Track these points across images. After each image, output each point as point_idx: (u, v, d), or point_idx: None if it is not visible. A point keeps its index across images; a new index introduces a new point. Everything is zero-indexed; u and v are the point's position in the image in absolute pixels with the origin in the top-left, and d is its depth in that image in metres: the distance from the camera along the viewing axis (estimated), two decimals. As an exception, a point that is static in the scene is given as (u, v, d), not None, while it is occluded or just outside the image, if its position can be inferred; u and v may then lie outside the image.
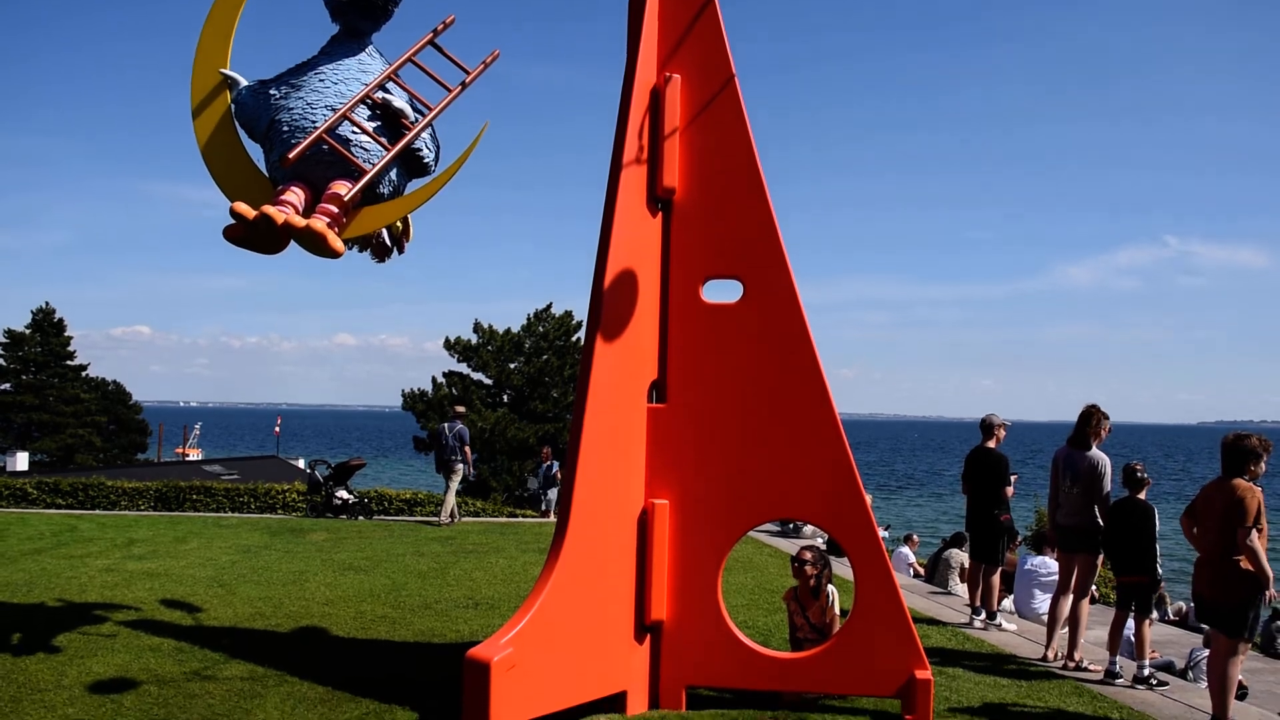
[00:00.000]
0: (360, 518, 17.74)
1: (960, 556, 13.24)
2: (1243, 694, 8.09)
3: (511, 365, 29.77)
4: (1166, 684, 7.90)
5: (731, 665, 6.67)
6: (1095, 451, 8.58)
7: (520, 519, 19.21)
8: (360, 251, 7.66)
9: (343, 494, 18.03)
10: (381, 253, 7.78)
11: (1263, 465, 6.78)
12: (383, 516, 18.57)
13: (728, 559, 6.65)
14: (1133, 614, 8.06)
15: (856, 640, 6.55)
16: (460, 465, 17.28)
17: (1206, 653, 13.08)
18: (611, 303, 6.45)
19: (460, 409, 18.35)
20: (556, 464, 19.65)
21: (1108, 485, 8.46)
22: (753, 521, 6.88)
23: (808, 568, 7.23)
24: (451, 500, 17.45)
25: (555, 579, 5.99)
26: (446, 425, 17.57)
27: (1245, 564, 6.54)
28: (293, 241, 6.38)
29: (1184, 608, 21.63)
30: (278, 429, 67.73)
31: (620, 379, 6.52)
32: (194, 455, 57.90)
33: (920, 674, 6.44)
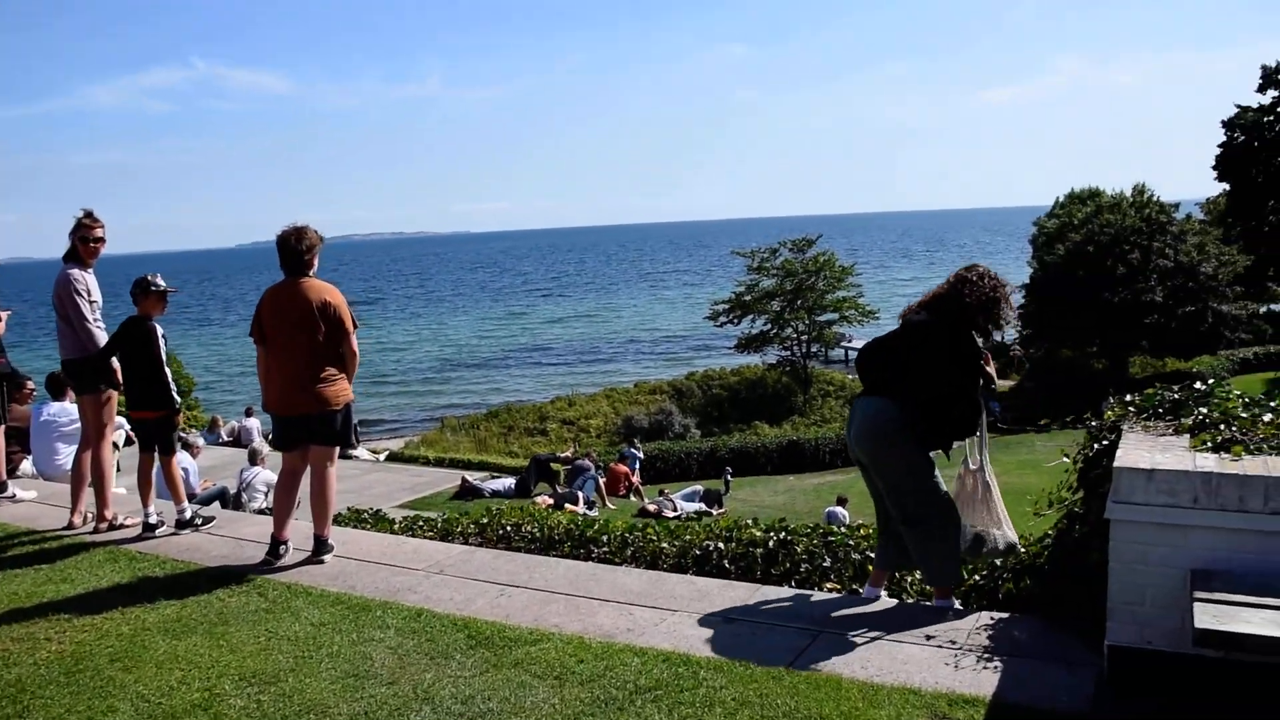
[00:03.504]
0: None
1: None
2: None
3: None
4: (213, 519, 7.19)
5: None
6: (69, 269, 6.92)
7: None
8: None
9: None
10: None
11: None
12: None
13: None
14: (158, 455, 7.00)
15: None
16: None
17: (258, 471, 13.12)
18: None
19: None
20: None
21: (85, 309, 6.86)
22: None
23: None
24: None
25: None
26: None
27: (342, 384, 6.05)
28: None
29: (236, 426, 22.24)
30: None
31: None
32: None
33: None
